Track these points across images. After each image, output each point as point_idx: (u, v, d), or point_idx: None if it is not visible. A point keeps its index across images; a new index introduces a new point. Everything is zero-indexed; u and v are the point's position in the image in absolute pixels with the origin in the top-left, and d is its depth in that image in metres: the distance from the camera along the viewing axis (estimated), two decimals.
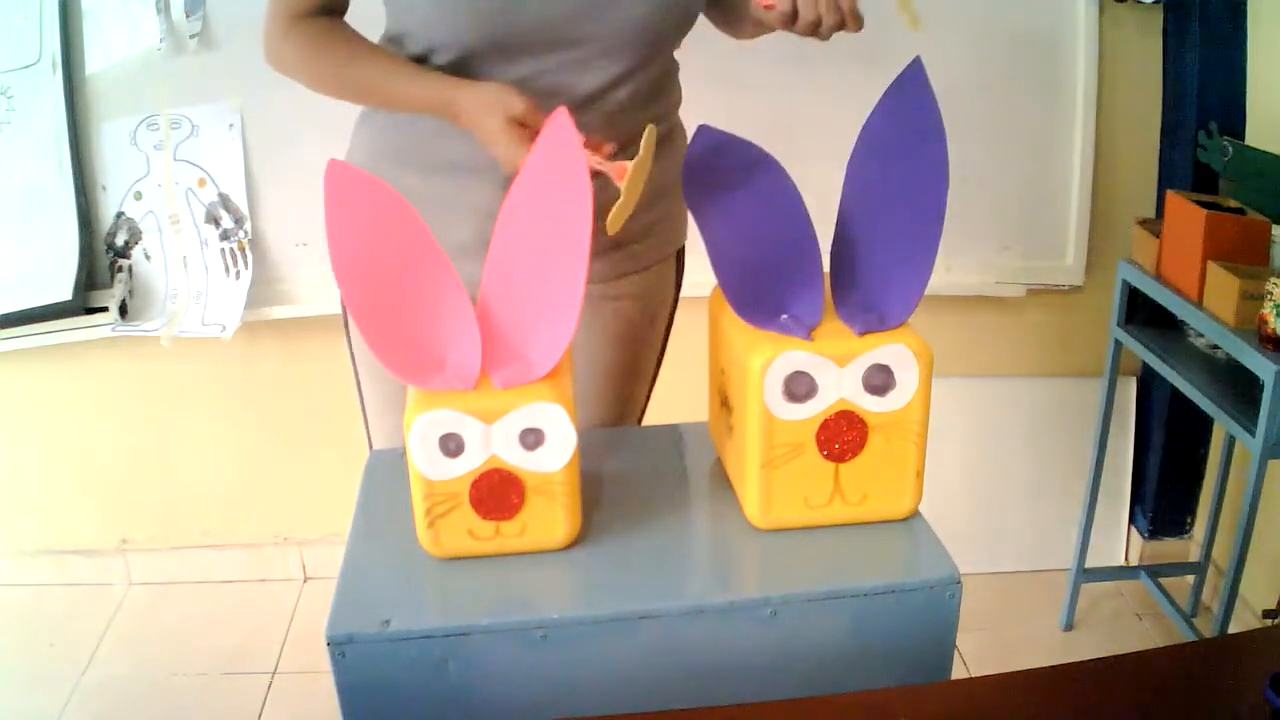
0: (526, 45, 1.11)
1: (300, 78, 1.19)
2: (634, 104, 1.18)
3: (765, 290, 0.99)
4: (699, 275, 1.14)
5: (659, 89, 1.23)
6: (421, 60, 1.16)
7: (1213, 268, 1.67)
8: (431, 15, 1.12)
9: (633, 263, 1.30)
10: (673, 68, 1.28)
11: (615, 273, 1.29)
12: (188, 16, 1.93)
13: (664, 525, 1.03)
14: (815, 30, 1.03)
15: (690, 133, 0.99)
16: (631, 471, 1.13)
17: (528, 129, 1.04)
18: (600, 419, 1.37)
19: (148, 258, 2.06)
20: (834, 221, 1.01)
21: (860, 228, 1.01)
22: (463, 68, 1.14)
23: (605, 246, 1.22)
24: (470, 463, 0.93)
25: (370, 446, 1.39)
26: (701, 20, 1.26)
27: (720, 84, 1.87)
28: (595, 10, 1.09)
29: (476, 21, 1.10)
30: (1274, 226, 1.66)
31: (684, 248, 1.40)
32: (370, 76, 1.15)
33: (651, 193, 1.27)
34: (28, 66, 1.95)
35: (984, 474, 2.34)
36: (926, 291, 0.98)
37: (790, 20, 1.03)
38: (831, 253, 1.01)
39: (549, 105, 1.07)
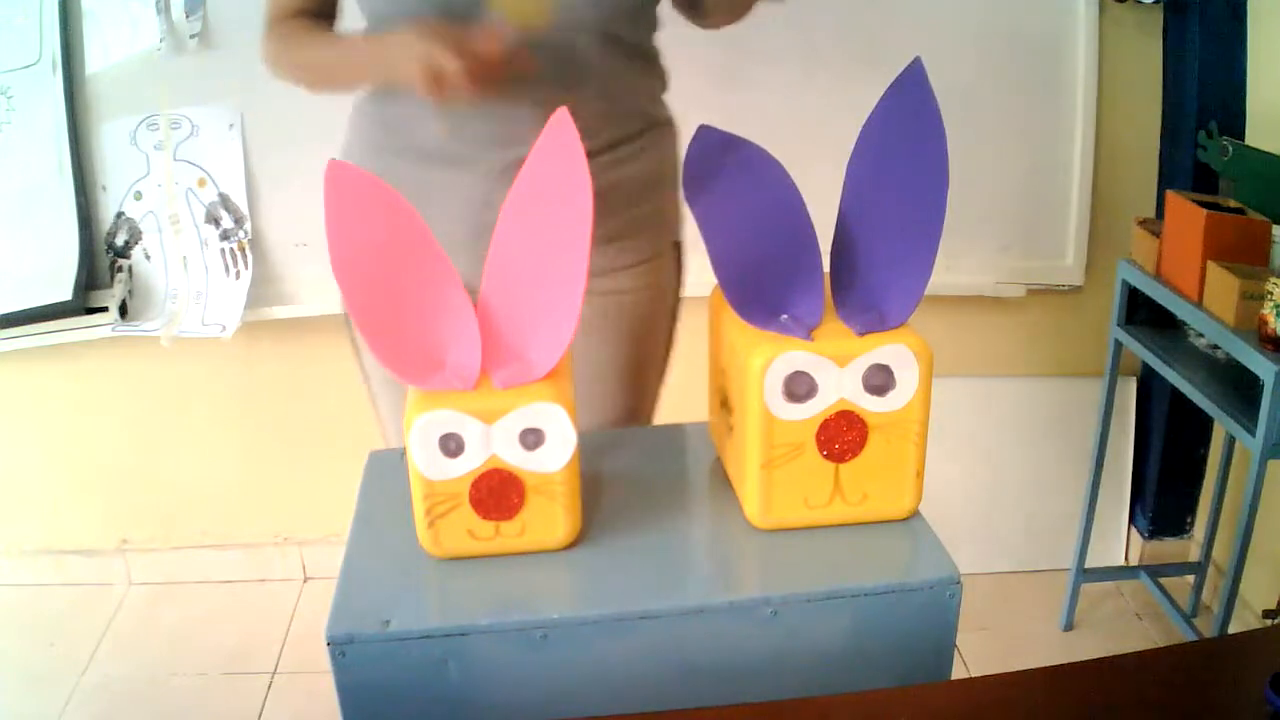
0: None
1: (279, 72, 1.26)
2: (601, 60, 1.18)
3: (765, 290, 0.99)
4: (699, 275, 1.14)
5: (631, 64, 1.23)
6: None
7: (1213, 268, 1.67)
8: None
9: (629, 257, 1.31)
10: (650, 50, 1.27)
11: (611, 267, 1.30)
12: (188, 16, 1.93)
13: (664, 525, 1.03)
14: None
15: (690, 133, 0.99)
16: (631, 471, 1.13)
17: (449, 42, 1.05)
18: (611, 414, 1.38)
19: (148, 258, 2.07)
20: (834, 221, 1.01)
21: (860, 228, 1.01)
22: None
23: (599, 241, 1.23)
24: (470, 463, 0.93)
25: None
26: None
27: (720, 84, 1.87)
28: None
29: None
30: (1274, 226, 1.66)
31: (680, 241, 1.41)
32: (318, 54, 1.22)
33: (642, 186, 1.28)
34: (28, 66, 1.95)
35: (984, 474, 2.34)
36: (926, 291, 0.98)
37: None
38: (831, 253, 1.01)
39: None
